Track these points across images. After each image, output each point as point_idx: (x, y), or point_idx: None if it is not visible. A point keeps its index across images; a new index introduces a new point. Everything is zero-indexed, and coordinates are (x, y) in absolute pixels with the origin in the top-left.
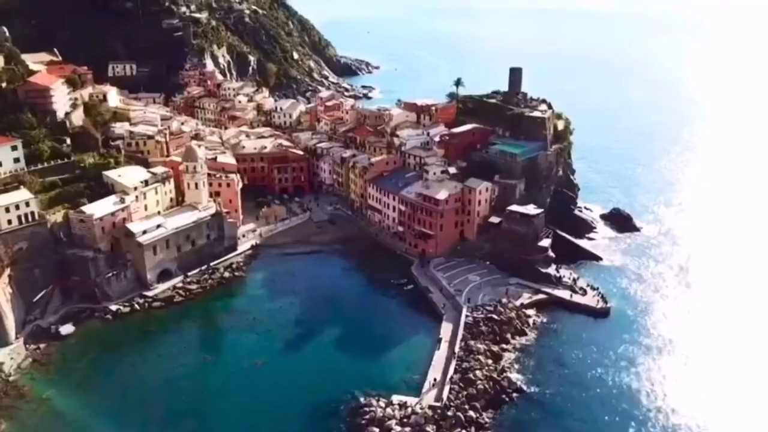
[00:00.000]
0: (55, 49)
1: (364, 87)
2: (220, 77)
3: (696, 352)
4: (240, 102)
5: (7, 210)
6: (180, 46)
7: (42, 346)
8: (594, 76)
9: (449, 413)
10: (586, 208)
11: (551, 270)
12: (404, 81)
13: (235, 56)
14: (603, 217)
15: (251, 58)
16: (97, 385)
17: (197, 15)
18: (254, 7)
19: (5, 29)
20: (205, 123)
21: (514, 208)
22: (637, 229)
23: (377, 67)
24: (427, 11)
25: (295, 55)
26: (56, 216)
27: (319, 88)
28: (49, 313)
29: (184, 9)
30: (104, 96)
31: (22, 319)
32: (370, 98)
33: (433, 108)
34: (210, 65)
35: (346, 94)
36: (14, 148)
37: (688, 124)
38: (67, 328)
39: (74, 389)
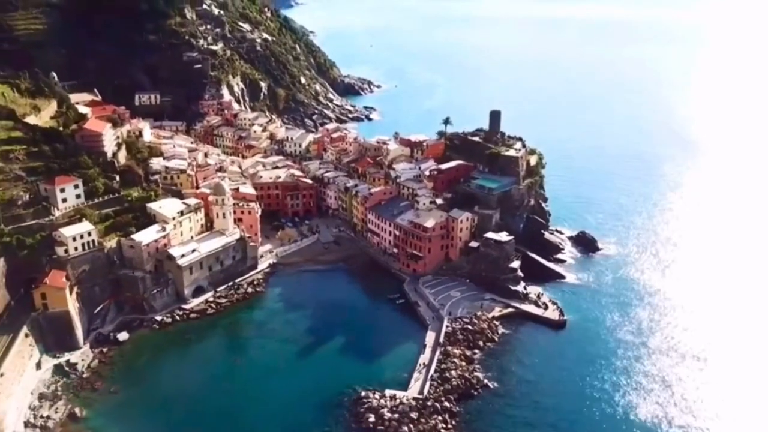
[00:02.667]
0: (95, 89)
1: (366, 108)
2: (236, 107)
3: (639, 362)
4: (255, 132)
5: (74, 239)
6: (199, 77)
7: (104, 350)
8: (581, 89)
9: (429, 403)
10: (557, 231)
11: (520, 287)
12: (403, 101)
13: (248, 83)
14: (571, 239)
15: (262, 84)
16: (150, 382)
17: (214, 47)
18: (265, 35)
19: (54, 74)
20: (223, 150)
21: (489, 235)
22: (599, 250)
23: (379, 86)
24: (428, 19)
25: (303, 80)
26: (111, 243)
27: (325, 111)
28: (107, 323)
29: (202, 42)
30: (140, 132)
31: (87, 328)
32: (371, 119)
33: (425, 144)
34: (227, 95)
35: (349, 116)
36: (76, 186)
37: (662, 147)
38: (123, 335)
39: (133, 385)
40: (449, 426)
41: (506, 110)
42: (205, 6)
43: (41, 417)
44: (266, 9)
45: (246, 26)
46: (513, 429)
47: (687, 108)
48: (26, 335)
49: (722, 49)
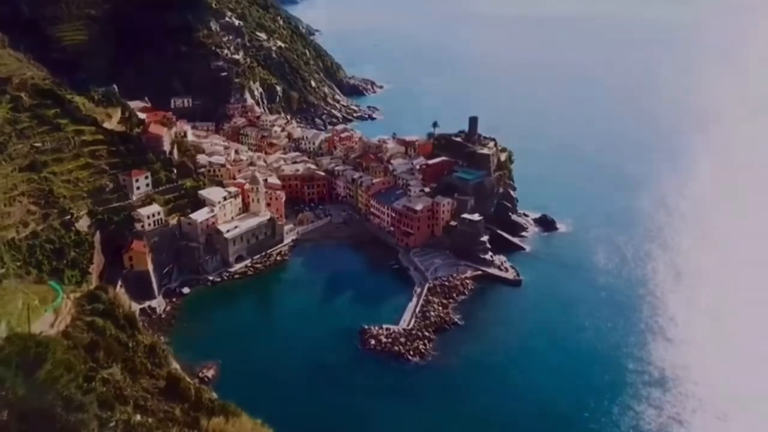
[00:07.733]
0: (146, 97)
1: (369, 108)
2: (258, 110)
3: (573, 309)
4: (275, 132)
5: (148, 217)
6: (225, 83)
7: (174, 299)
8: (562, 88)
9: (413, 332)
10: (524, 213)
11: (487, 256)
12: (402, 101)
13: (265, 87)
14: (535, 220)
15: (278, 88)
16: (209, 321)
17: (236, 56)
18: (279, 43)
19: (115, 86)
20: (249, 147)
21: (465, 216)
22: (557, 229)
23: (381, 87)
24: (429, 16)
25: (313, 83)
26: (173, 221)
27: (333, 111)
28: (173, 281)
29: (226, 51)
30: (185, 133)
31: (158, 284)
32: (374, 119)
33: (417, 143)
34: (249, 99)
35: (354, 115)
36: (146, 177)
37: (627, 146)
38: (185, 290)
39: (197, 322)
40: (428, 348)
41: (490, 109)
42: (227, 18)
43: None
44: (278, 17)
45: (263, 35)
46: (474, 352)
47: (661, 111)
48: (120, 286)
49: (705, 51)
